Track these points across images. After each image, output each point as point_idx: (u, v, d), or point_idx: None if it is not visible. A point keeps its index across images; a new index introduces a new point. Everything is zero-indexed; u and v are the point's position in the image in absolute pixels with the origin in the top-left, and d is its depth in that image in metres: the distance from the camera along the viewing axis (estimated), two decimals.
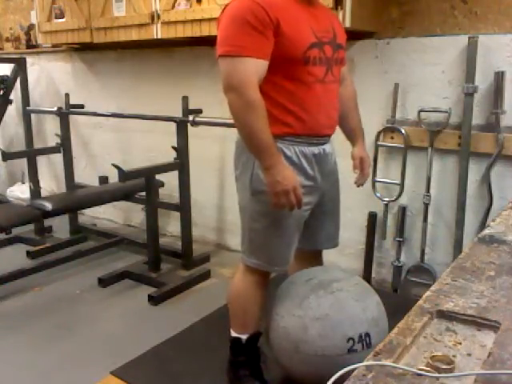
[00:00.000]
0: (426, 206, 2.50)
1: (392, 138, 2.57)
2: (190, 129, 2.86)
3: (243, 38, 1.45)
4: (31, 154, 3.67)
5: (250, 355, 1.83)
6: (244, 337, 1.79)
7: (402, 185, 2.55)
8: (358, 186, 1.88)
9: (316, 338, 1.61)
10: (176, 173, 2.91)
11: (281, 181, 1.49)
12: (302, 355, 1.64)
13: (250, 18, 1.44)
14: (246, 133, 1.51)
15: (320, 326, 1.61)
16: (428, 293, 0.99)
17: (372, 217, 2.65)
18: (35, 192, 3.65)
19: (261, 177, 1.57)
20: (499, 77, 2.22)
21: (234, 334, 1.81)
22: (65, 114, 3.45)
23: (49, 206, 2.73)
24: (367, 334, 1.62)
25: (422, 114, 2.44)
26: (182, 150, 2.87)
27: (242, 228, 1.74)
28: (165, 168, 2.91)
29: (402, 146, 2.52)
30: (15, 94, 4.02)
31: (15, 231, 3.01)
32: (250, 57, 1.45)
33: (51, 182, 4.30)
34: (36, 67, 4.14)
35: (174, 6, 2.80)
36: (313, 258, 1.92)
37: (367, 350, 1.60)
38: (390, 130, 2.56)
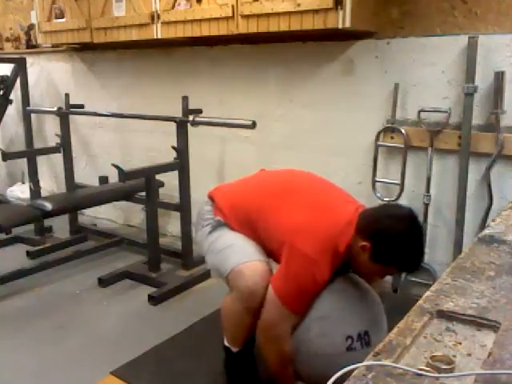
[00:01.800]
0: (426, 206, 2.50)
1: (392, 137, 2.57)
2: (190, 129, 2.86)
3: (305, 300, 1.61)
4: (31, 154, 3.67)
5: (242, 363, 1.85)
6: (234, 350, 1.82)
7: (401, 185, 2.55)
8: None
9: (316, 338, 1.61)
10: (176, 173, 2.91)
11: None
12: (303, 355, 1.64)
13: (319, 282, 1.58)
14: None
15: (321, 325, 1.62)
16: (428, 293, 0.99)
17: None
18: (35, 192, 3.65)
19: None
20: (499, 77, 2.22)
21: (225, 342, 1.85)
22: (65, 113, 3.45)
23: (49, 206, 2.73)
24: (366, 333, 1.63)
25: (422, 113, 2.44)
26: (182, 149, 2.87)
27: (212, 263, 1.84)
28: (165, 168, 2.91)
29: (402, 146, 2.52)
30: (15, 94, 4.02)
31: (15, 231, 3.01)
32: (297, 314, 1.62)
33: (51, 182, 4.30)
34: (36, 67, 4.14)
35: (174, 6, 2.80)
36: None
37: (366, 348, 1.60)
38: (389, 130, 2.56)
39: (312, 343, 1.62)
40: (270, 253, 1.73)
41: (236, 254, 1.70)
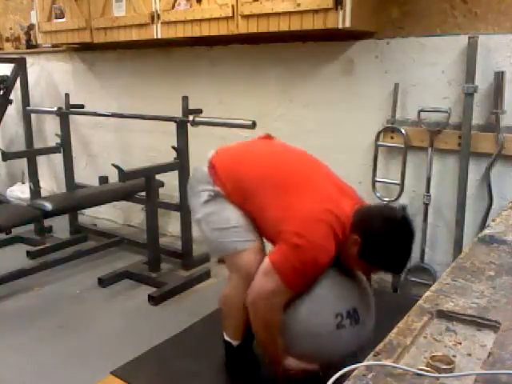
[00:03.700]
0: (426, 206, 2.50)
1: (392, 137, 2.57)
2: (190, 129, 2.86)
3: (304, 280, 1.60)
4: (31, 154, 3.67)
5: (242, 358, 1.85)
6: (235, 343, 1.82)
7: (401, 185, 2.55)
8: None
9: (306, 316, 1.62)
10: (176, 173, 2.91)
11: (285, 372, 1.69)
12: (292, 334, 1.64)
13: (320, 266, 1.60)
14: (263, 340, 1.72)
15: (310, 303, 1.63)
16: (428, 293, 0.99)
17: None
18: (35, 192, 3.65)
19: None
20: (499, 77, 2.22)
21: (226, 337, 1.85)
22: (65, 113, 3.45)
23: (49, 206, 2.73)
24: (355, 310, 1.64)
25: (422, 113, 2.44)
26: (182, 150, 2.87)
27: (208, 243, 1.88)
28: (165, 168, 2.91)
29: (402, 146, 2.52)
30: (15, 94, 4.02)
31: (15, 231, 3.01)
32: (293, 291, 1.62)
33: (51, 181, 4.30)
34: (36, 67, 4.14)
35: (174, 6, 2.80)
36: None
37: (356, 325, 1.62)
38: (389, 129, 2.56)
39: (301, 322, 1.62)
40: (262, 230, 1.74)
41: (239, 236, 1.71)
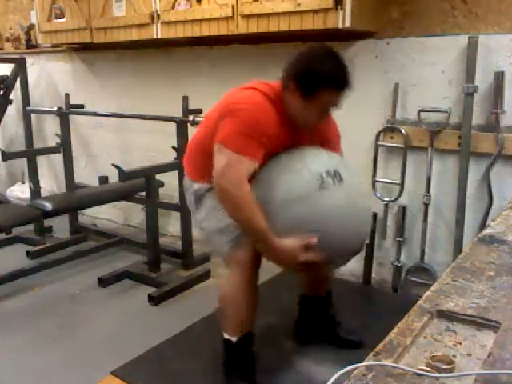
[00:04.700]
0: (426, 206, 2.50)
1: (392, 137, 2.57)
2: (190, 129, 2.85)
3: (250, 140, 1.58)
4: (31, 154, 3.67)
5: (240, 356, 1.85)
6: (234, 339, 1.81)
7: (401, 185, 2.55)
8: None
9: (283, 185, 1.61)
10: (176, 173, 2.91)
11: (285, 256, 1.62)
12: (276, 205, 1.60)
13: (262, 123, 1.60)
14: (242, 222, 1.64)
15: (282, 174, 1.63)
16: (428, 293, 0.99)
17: (372, 217, 2.65)
18: (35, 192, 3.65)
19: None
20: (499, 77, 2.22)
21: (225, 335, 1.84)
22: (65, 113, 3.45)
23: (49, 206, 2.73)
24: (336, 171, 1.62)
25: (422, 113, 2.44)
26: (181, 150, 2.86)
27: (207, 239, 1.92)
28: (165, 168, 2.91)
29: (402, 146, 2.52)
30: (15, 94, 4.02)
31: (15, 231, 3.01)
32: (245, 156, 1.59)
33: (51, 181, 4.30)
34: (36, 67, 4.14)
35: (174, 6, 2.80)
36: None
37: (339, 184, 1.60)
38: (389, 129, 2.56)
39: (279, 190, 1.60)
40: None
41: (228, 236, 1.74)
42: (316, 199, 1.57)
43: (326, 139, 1.84)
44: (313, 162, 1.63)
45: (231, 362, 1.86)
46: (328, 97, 1.64)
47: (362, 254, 2.71)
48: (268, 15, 2.45)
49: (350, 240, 1.65)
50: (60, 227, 3.62)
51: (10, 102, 4.06)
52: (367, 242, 1.68)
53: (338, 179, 1.60)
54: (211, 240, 1.87)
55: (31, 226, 3.45)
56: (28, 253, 3.19)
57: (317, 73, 1.59)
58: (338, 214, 1.59)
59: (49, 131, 4.13)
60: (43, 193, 3.80)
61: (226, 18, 2.59)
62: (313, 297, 2.10)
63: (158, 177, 2.91)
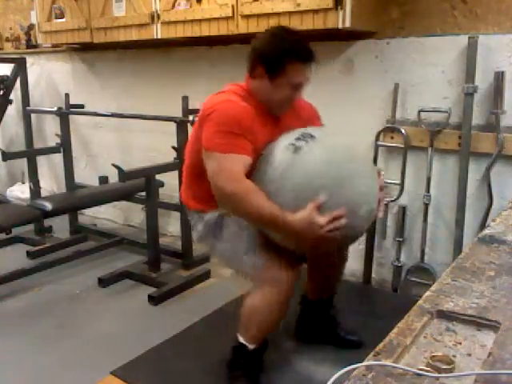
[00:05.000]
0: (426, 206, 2.50)
1: (392, 137, 2.57)
2: (190, 129, 2.85)
3: (231, 137, 1.60)
4: (31, 154, 3.67)
5: (252, 362, 1.82)
6: (251, 347, 1.76)
7: (401, 185, 2.55)
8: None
9: (264, 168, 1.63)
10: (176, 173, 2.91)
11: (304, 226, 1.53)
12: (270, 188, 1.59)
13: (238, 118, 1.62)
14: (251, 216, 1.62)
15: (265, 154, 1.66)
16: (428, 293, 0.99)
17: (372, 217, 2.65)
18: (35, 192, 3.65)
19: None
20: (499, 77, 2.22)
21: (241, 340, 1.78)
22: (65, 113, 3.45)
23: (49, 206, 2.73)
24: (306, 133, 1.64)
25: (422, 113, 2.44)
26: (181, 150, 2.86)
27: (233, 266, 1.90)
28: (165, 168, 2.91)
29: (402, 146, 2.52)
30: (15, 94, 4.01)
31: (15, 231, 3.01)
32: (232, 152, 1.60)
33: (51, 181, 4.30)
34: (36, 67, 4.14)
35: (173, 6, 2.80)
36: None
37: (312, 142, 1.60)
38: (389, 129, 2.56)
39: (268, 175, 1.61)
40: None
41: (251, 259, 1.71)
42: (299, 162, 1.57)
43: (308, 123, 1.81)
44: (282, 140, 1.66)
45: (238, 363, 1.83)
46: (295, 72, 1.67)
47: (362, 253, 2.72)
48: (268, 15, 2.45)
49: (356, 190, 1.58)
50: (60, 227, 3.62)
51: (10, 101, 4.05)
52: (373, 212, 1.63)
53: (309, 138, 1.61)
54: (238, 262, 1.79)
55: (31, 226, 3.45)
56: (28, 253, 3.19)
57: (279, 48, 1.64)
58: (328, 166, 1.57)
59: (49, 131, 4.13)
60: (43, 193, 3.80)
61: (226, 18, 2.59)
62: (315, 300, 2.09)
63: (158, 177, 2.91)
